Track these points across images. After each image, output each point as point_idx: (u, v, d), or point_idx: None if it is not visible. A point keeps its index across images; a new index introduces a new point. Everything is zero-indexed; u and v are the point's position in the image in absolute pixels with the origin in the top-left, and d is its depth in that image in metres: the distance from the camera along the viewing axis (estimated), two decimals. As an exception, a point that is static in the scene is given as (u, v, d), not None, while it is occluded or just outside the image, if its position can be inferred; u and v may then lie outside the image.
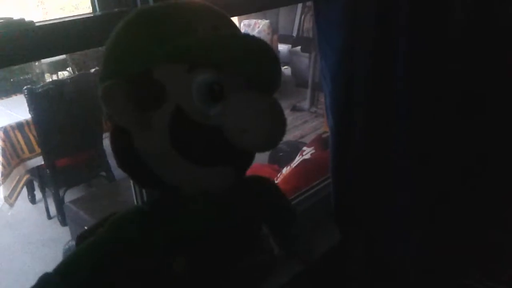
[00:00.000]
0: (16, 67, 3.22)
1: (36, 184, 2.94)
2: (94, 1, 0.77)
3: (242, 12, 1.00)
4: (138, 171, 0.60)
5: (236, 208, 0.66)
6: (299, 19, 4.71)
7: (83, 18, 0.74)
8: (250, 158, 0.61)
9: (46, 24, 0.69)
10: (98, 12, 0.77)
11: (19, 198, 2.68)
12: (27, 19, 0.69)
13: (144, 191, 0.88)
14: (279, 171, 2.13)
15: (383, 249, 1.20)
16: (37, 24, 0.69)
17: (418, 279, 1.19)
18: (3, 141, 2.53)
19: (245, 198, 0.69)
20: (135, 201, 0.91)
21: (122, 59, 0.56)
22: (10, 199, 2.58)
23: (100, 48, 0.67)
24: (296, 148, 2.47)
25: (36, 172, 2.75)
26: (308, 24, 4.49)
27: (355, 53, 1.01)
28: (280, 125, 0.54)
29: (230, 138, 0.53)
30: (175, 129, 0.54)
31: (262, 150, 0.57)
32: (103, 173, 2.85)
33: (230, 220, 0.65)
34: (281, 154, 2.70)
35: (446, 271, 1.16)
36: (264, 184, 0.79)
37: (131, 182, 0.92)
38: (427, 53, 0.99)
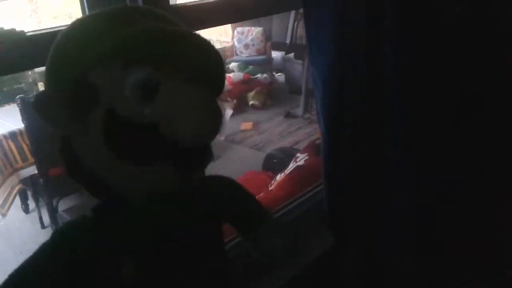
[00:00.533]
0: (8, 76, 3.22)
1: (29, 194, 2.92)
2: (85, 9, 0.78)
3: (234, 20, 1.01)
4: (84, 178, 0.59)
5: (189, 210, 0.64)
6: (292, 26, 4.74)
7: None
8: (197, 155, 0.58)
9: (37, 34, 0.70)
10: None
11: (12, 207, 2.67)
12: (21, 27, 0.70)
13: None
14: (273, 177, 2.13)
15: (377, 252, 1.20)
16: (28, 33, 0.69)
17: (414, 282, 1.19)
18: (-4, 150, 2.52)
19: (200, 199, 0.66)
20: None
21: (57, 67, 0.56)
22: (3, 209, 2.56)
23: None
24: (290, 154, 2.48)
25: (29, 182, 2.73)
26: (301, 31, 4.52)
27: (345, 58, 1.02)
28: (208, 118, 0.53)
29: (162, 132, 0.52)
30: (108, 129, 0.53)
31: (193, 143, 0.54)
32: (97, 182, 2.83)
33: (181, 222, 0.63)
34: (275, 160, 2.71)
35: (446, 271, 1.17)
36: (225, 184, 0.75)
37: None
38: (418, 55, 1.00)
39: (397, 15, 0.96)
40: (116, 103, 0.52)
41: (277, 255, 0.84)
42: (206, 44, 0.56)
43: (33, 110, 0.54)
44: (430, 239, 1.15)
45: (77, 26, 0.57)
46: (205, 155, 0.59)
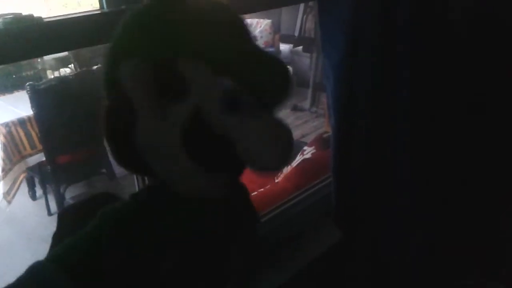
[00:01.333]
0: (18, 63, 3.23)
1: (37, 181, 2.95)
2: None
3: (245, 11, 1.01)
4: (130, 157, 0.59)
5: (223, 214, 0.66)
6: (301, 19, 4.71)
7: (90, 14, 0.75)
8: (244, 167, 0.61)
9: (54, 20, 0.70)
10: (105, 9, 0.78)
11: (20, 194, 2.69)
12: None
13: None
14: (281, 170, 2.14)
15: (383, 249, 1.20)
16: (45, 20, 0.70)
17: (418, 279, 1.19)
18: (5, 137, 2.54)
19: (233, 204, 0.69)
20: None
21: (147, 44, 0.55)
22: (8, 196, 2.58)
23: (101, 45, 0.68)
24: (297, 147, 2.48)
25: (37, 169, 2.75)
26: (310, 24, 4.50)
27: (358, 54, 1.01)
28: (290, 149, 0.56)
29: (242, 155, 0.53)
30: (190, 128, 0.53)
31: (271, 171, 0.57)
32: (104, 170, 2.85)
33: (217, 224, 0.65)
34: (282, 153, 2.71)
35: (446, 271, 1.17)
36: (246, 190, 0.78)
37: (135, 179, 0.93)
38: (430, 53, 0.99)
39: (411, 12, 0.95)
40: (204, 103, 0.53)
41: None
42: (288, 74, 0.58)
43: (125, 77, 0.53)
44: (431, 239, 1.16)
45: (169, 14, 0.56)
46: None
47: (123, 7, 0.77)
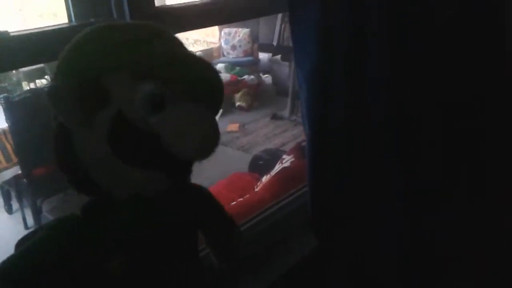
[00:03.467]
0: (-8, 75, 3.18)
1: (13, 194, 2.89)
2: (70, 12, 0.78)
3: (221, 22, 1.02)
4: (75, 173, 0.63)
5: (168, 214, 0.68)
6: (279, 28, 4.75)
7: (58, 28, 0.74)
8: (186, 167, 0.65)
9: (21, 34, 0.70)
10: (73, 23, 0.77)
11: (-4, 208, 2.63)
12: (6, 25, 0.69)
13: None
14: (259, 179, 2.14)
15: (361, 254, 1.21)
16: (12, 34, 0.69)
17: (400, 281, 1.20)
18: (-21, 150, 2.49)
19: (180, 205, 0.71)
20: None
21: (74, 65, 0.60)
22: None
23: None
24: (276, 156, 2.49)
25: (13, 182, 2.70)
26: (289, 33, 4.52)
27: (330, 60, 1.02)
28: (212, 137, 0.59)
29: (166, 146, 0.57)
30: (114, 130, 0.58)
31: (194, 159, 0.62)
32: (82, 183, 2.81)
33: (161, 225, 0.67)
34: (261, 162, 2.72)
35: (425, 274, 1.18)
36: (201, 193, 0.80)
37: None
38: (404, 56, 1.00)
39: (382, 16, 0.97)
40: (126, 107, 0.58)
41: (236, 264, 0.91)
42: (211, 69, 0.63)
43: (49, 97, 0.57)
44: (416, 240, 1.16)
45: (97, 32, 0.62)
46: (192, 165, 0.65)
47: (91, 20, 0.77)
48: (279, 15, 4.63)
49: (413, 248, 1.15)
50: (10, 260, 0.61)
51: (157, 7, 0.89)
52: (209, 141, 0.59)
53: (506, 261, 1.15)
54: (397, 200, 1.10)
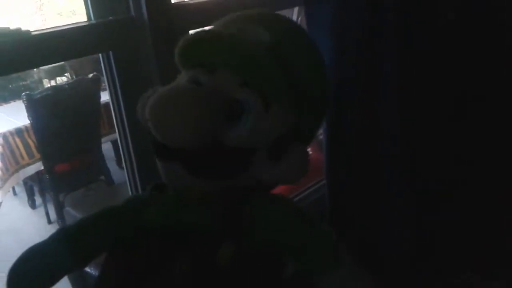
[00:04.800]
0: (14, 74, 3.24)
1: (36, 190, 2.95)
2: (89, 10, 0.79)
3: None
4: None
5: (206, 215, 0.62)
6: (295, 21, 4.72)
7: (78, 26, 0.76)
8: (203, 159, 0.59)
9: (42, 33, 0.71)
10: (93, 21, 0.79)
11: (19, 203, 2.68)
12: (26, 25, 0.71)
13: (140, 194, 0.90)
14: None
15: (378, 249, 1.21)
16: (33, 33, 0.71)
17: (411, 277, 1.20)
18: (2, 147, 2.55)
19: (232, 215, 0.63)
20: (132, 204, 0.93)
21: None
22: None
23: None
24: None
25: (36, 178, 2.76)
26: (304, 26, 4.50)
27: (346, 56, 1.02)
28: (168, 117, 0.54)
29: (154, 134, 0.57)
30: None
31: (164, 142, 0.57)
32: (103, 177, 2.86)
33: (189, 223, 0.62)
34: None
35: (440, 269, 1.18)
36: (270, 208, 0.66)
37: (128, 185, 0.94)
38: (418, 54, 1.00)
39: (398, 13, 0.96)
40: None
41: None
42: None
43: None
44: (430, 238, 1.16)
45: None
46: (219, 160, 0.59)
47: (110, 18, 0.79)
48: (296, 9, 4.60)
49: (417, 247, 1.15)
50: (77, 223, 0.67)
51: (174, 3, 0.89)
52: (166, 122, 0.57)
53: (506, 261, 1.14)
54: (408, 198, 1.10)
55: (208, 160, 0.59)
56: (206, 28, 0.69)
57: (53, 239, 0.67)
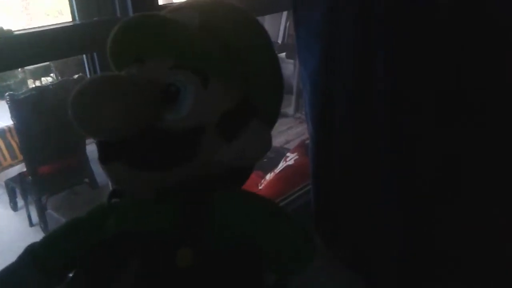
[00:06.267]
0: (-1, 72, 3.20)
1: (18, 191, 2.91)
2: (74, 10, 0.78)
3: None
4: None
5: (163, 214, 0.60)
6: (284, 26, 4.73)
7: (61, 27, 0.75)
8: (147, 151, 0.55)
9: (24, 33, 0.70)
10: (77, 21, 0.78)
11: (1, 205, 2.64)
12: (12, 24, 0.70)
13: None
14: (263, 176, 2.14)
15: (364, 252, 1.21)
16: (16, 33, 0.69)
17: (399, 280, 1.20)
18: (-16, 147, 2.51)
19: (193, 211, 0.59)
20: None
21: None
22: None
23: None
24: (280, 154, 2.48)
25: (18, 179, 2.72)
26: (293, 31, 4.52)
27: (334, 61, 1.02)
28: (91, 103, 0.50)
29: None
30: None
31: (86, 134, 0.54)
32: (86, 180, 2.82)
33: (147, 225, 0.60)
34: (265, 160, 2.71)
35: (428, 273, 1.18)
36: (237, 201, 0.64)
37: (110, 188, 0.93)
38: (410, 56, 1.00)
39: (388, 17, 0.96)
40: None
41: None
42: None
43: None
44: (416, 242, 1.16)
45: None
46: (163, 147, 0.55)
47: (95, 19, 0.78)
48: (284, 13, 4.61)
49: (413, 249, 1.15)
50: (44, 239, 0.67)
51: (160, 5, 0.89)
52: (86, 112, 0.53)
53: (505, 262, 1.15)
54: (396, 201, 1.10)
55: (151, 149, 0.55)
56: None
57: (20, 260, 0.67)
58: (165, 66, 0.55)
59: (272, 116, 0.70)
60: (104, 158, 0.55)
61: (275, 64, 0.69)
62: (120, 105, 0.50)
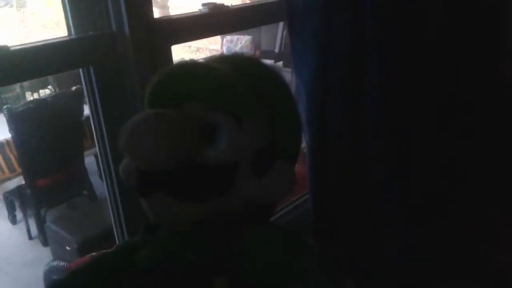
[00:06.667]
0: (-5, 86, 3.20)
1: (17, 204, 2.90)
2: (70, 24, 0.79)
3: (222, 32, 1.03)
4: None
5: (199, 246, 0.63)
6: (281, 35, 4.76)
7: (57, 41, 0.75)
8: (189, 181, 0.60)
9: (21, 49, 0.71)
10: (73, 36, 0.78)
11: (0, 218, 2.63)
12: (9, 37, 0.70)
13: (121, 211, 0.89)
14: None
15: (362, 260, 1.21)
16: (12, 48, 0.70)
17: (401, 282, 1.19)
18: (-18, 161, 2.51)
19: (220, 239, 0.63)
20: (112, 220, 0.92)
21: None
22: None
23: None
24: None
25: (16, 192, 2.71)
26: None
27: (328, 70, 1.03)
28: (143, 136, 0.55)
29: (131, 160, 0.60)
30: None
31: (143, 165, 0.58)
32: (85, 192, 2.82)
33: (182, 257, 0.63)
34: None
35: (424, 278, 1.18)
36: (266, 242, 0.65)
37: (108, 200, 0.93)
38: (401, 67, 1.01)
39: (381, 28, 0.97)
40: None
41: None
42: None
43: None
44: (417, 247, 1.16)
45: None
46: (203, 180, 0.61)
47: (91, 33, 0.78)
48: (281, 23, 4.64)
49: (413, 249, 1.15)
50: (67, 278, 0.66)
51: (156, 18, 0.89)
52: (136, 144, 0.58)
53: (505, 263, 1.14)
54: (395, 201, 1.10)
55: (191, 181, 0.60)
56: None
57: None
58: (202, 108, 0.61)
59: (294, 155, 0.75)
60: (145, 189, 0.60)
61: (296, 109, 0.76)
62: (167, 140, 0.56)
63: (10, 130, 2.40)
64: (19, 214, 2.95)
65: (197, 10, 0.97)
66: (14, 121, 2.37)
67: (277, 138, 0.67)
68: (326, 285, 0.67)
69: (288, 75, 4.23)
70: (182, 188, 0.60)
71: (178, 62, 0.68)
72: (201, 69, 0.64)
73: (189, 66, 0.65)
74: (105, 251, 0.69)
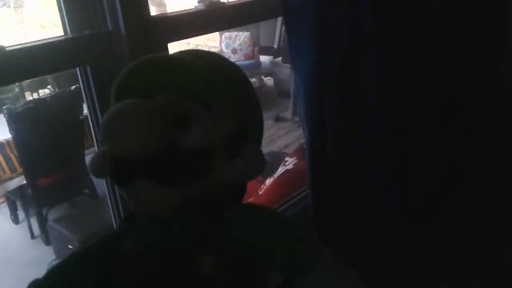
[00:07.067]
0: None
1: (18, 204, 2.91)
2: (65, 24, 0.79)
3: (219, 28, 1.03)
4: None
5: (189, 236, 0.66)
6: (279, 30, 4.76)
7: (53, 41, 0.75)
8: (175, 168, 0.63)
9: (16, 49, 0.71)
10: (69, 35, 0.78)
11: (2, 218, 2.64)
12: (7, 38, 0.70)
13: (121, 208, 0.89)
14: (263, 182, 2.14)
15: (361, 257, 1.21)
16: (7, 48, 0.70)
17: (401, 281, 1.20)
18: (-17, 161, 2.51)
19: (210, 228, 0.67)
20: (113, 218, 0.92)
21: None
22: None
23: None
24: (279, 158, 2.48)
25: (18, 192, 2.72)
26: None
27: (326, 65, 1.03)
28: (122, 126, 0.59)
29: (109, 149, 0.61)
30: None
31: (122, 152, 0.60)
32: (86, 191, 2.83)
33: (174, 248, 0.65)
34: (264, 165, 2.71)
35: (425, 276, 1.18)
36: (250, 217, 0.73)
37: (108, 198, 0.93)
38: (399, 65, 1.01)
39: (378, 25, 0.97)
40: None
41: None
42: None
43: None
44: (417, 247, 1.16)
45: None
46: (190, 167, 0.63)
47: (87, 32, 0.78)
48: (279, 18, 4.63)
49: (413, 249, 1.15)
50: (49, 273, 0.68)
51: (152, 16, 0.89)
52: (119, 131, 0.60)
53: (505, 263, 1.15)
54: (395, 200, 1.10)
55: (171, 166, 0.62)
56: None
57: None
58: (172, 98, 0.63)
59: (259, 139, 0.82)
60: (127, 178, 0.62)
61: (257, 99, 0.83)
62: (148, 127, 0.59)
63: (10, 130, 2.41)
64: (21, 214, 2.96)
65: (193, 7, 0.97)
66: (14, 121, 2.37)
67: (244, 123, 0.71)
68: (305, 251, 0.75)
69: (287, 70, 4.25)
70: (163, 174, 0.62)
71: (147, 55, 0.69)
72: (169, 61, 0.67)
73: (156, 59, 0.67)
74: (88, 243, 0.70)
